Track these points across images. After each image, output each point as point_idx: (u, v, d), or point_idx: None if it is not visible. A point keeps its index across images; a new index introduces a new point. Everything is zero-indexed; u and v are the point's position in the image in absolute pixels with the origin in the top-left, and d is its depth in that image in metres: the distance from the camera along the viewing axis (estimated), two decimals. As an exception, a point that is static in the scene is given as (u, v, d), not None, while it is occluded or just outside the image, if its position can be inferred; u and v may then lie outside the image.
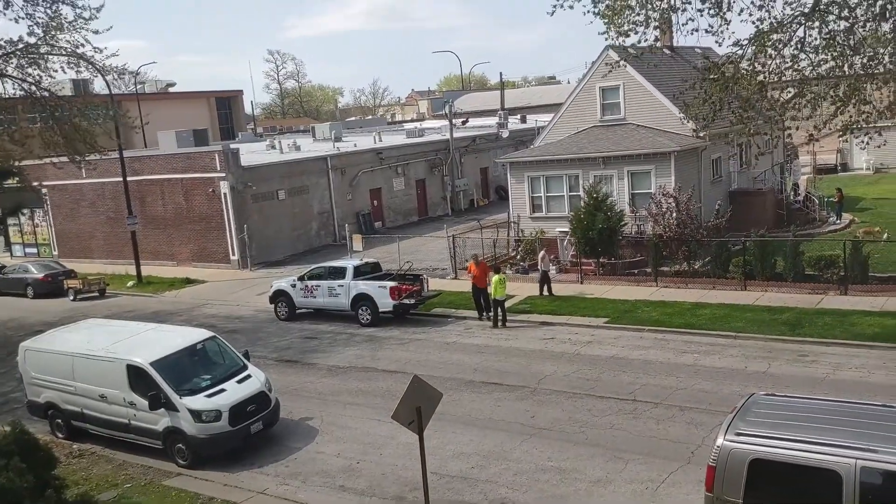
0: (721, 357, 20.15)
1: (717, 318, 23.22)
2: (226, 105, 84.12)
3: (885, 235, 29.49)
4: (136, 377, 16.49)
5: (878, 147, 19.85)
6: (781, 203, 37.49)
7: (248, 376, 17.27)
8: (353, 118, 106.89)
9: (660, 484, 13.63)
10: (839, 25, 16.62)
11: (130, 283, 37.07)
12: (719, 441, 10.04)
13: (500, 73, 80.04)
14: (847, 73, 17.11)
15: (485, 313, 25.41)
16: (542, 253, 28.06)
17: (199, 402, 16.11)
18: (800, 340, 20.73)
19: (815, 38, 16.84)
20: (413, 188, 49.16)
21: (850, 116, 17.19)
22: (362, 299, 26.10)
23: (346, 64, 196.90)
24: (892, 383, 17.37)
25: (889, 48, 16.65)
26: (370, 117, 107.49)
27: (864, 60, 17.00)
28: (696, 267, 27.79)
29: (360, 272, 26.85)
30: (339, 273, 26.97)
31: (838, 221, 36.12)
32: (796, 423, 10.09)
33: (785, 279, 25.75)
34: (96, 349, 17.45)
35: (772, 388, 16.32)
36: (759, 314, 23.13)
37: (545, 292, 27.37)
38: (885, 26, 16.85)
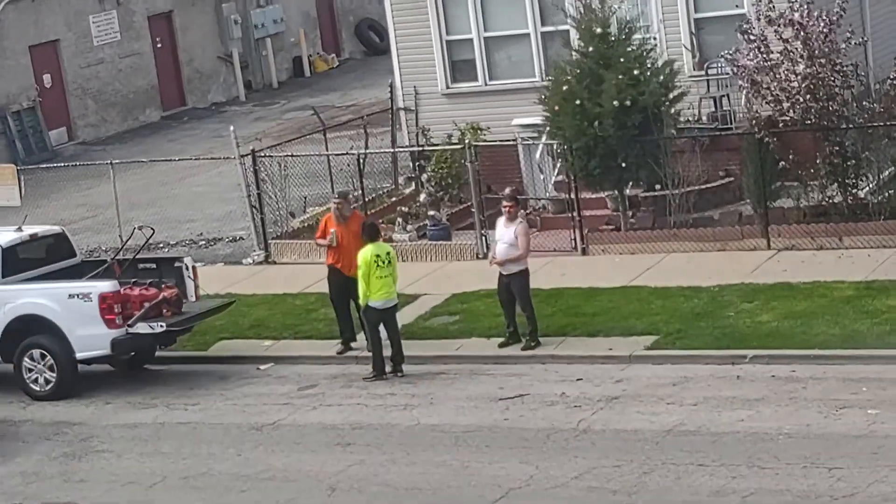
0: None
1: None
2: None
3: None
4: None
5: None
6: None
7: None
8: None
9: None
10: None
11: None
12: None
13: None
14: None
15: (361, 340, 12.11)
16: (519, 225, 11.50)
17: None
18: None
19: None
20: (145, 39, 25.29)
21: None
22: (30, 332, 11.68)
23: None
24: None
25: None
26: None
27: None
28: (859, 196, 14.02)
29: (18, 263, 12.17)
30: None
31: None
32: None
33: None
34: None
35: None
36: None
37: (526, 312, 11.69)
38: None
